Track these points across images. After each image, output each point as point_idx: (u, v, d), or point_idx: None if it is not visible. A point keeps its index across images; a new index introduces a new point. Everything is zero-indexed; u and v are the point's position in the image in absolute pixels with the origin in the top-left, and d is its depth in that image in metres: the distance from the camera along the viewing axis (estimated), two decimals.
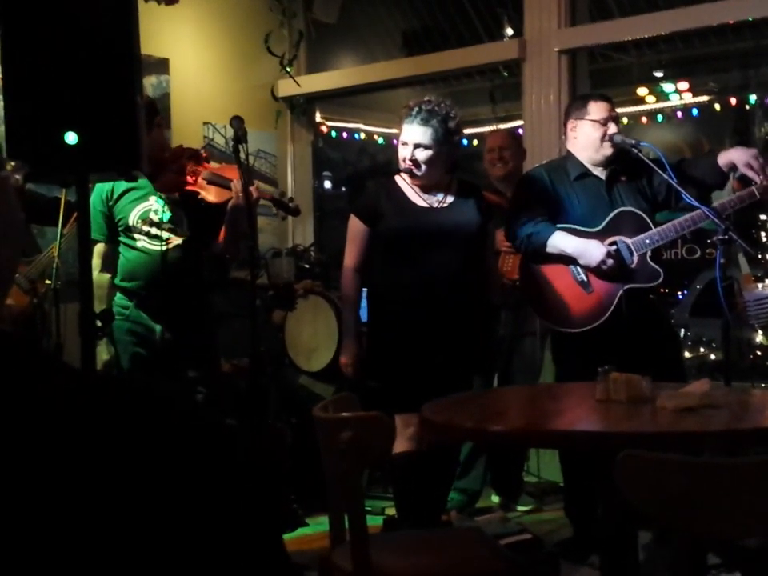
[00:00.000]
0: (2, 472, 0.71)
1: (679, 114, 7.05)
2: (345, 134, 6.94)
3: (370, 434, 2.25)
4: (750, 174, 3.30)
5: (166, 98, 5.40)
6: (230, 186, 3.44)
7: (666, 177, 3.35)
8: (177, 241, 3.53)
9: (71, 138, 2.45)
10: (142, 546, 0.73)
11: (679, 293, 4.77)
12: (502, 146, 4.43)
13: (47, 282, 3.75)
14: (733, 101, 6.84)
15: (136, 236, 3.54)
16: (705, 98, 7.01)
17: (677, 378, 3.21)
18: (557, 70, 5.08)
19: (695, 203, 3.31)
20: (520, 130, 5.41)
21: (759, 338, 4.46)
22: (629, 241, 3.43)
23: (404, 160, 3.45)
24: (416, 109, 3.43)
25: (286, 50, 6.06)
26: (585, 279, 3.46)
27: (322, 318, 4.70)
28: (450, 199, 3.50)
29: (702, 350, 4.70)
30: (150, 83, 5.30)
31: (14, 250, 0.89)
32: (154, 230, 3.52)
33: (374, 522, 3.67)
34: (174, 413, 0.80)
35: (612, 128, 3.49)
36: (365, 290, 3.67)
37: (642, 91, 6.98)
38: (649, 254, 3.43)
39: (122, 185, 3.52)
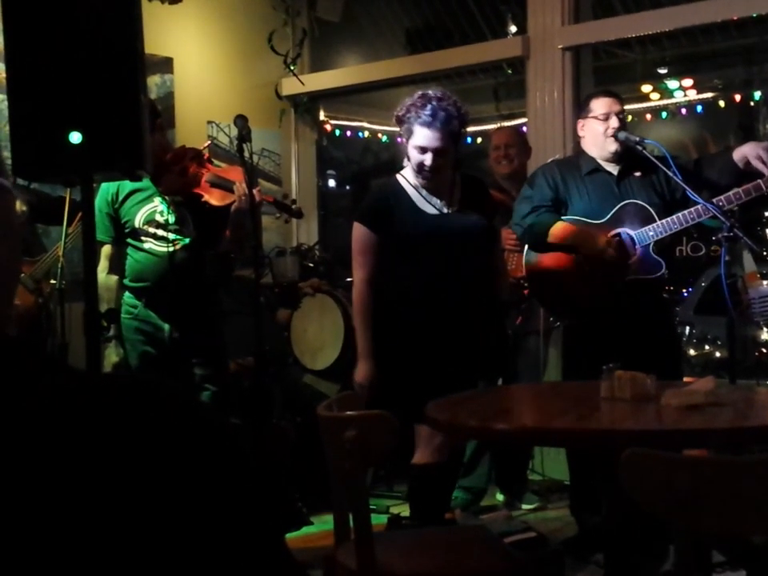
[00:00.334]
0: (5, 472, 0.71)
1: (683, 110, 7.04)
2: (349, 133, 6.93)
3: (374, 432, 2.25)
4: (760, 166, 3.30)
5: (170, 97, 5.41)
6: (233, 188, 3.45)
7: (670, 173, 3.37)
8: (183, 241, 3.54)
9: (75, 137, 2.45)
10: (145, 543, 0.73)
11: (684, 290, 4.76)
12: (507, 144, 4.43)
13: (52, 281, 3.76)
14: (737, 97, 6.83)
15: (143, 238, 3.56)
16: (709, 95, 7.00)
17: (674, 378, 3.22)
18: (560, 68, 5.06)
19: (699, 200, 3.31)
20: (524, 128, 5.40)
21: (764, 335, 4.45)
22: (632, 232, 3.45)
23: (422, 167, 3.23)
24: (429, 109, 3.17)
25: (290, 49, 6.06)
26: (586, 269, 3.48)
27: (329, 317, 4.71)
28: (456, 198, 3.34)
29: (706, 347, 4.69)
30: (154, 82, 5.31)
31: (12, 252, 0.90)
32: (160, 232, 3.53)
33: (379, 520, 3.67)
34: (176, 413, 0.80)
35: (614, 122, 3.49)
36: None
37: (646, 88, 6.97)
38: (652, 246, 3.44)
39: (127, 187, 3.53)
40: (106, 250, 3.61)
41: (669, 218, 3.41)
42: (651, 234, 3.42)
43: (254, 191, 3.35)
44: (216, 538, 0.76)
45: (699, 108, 6.99)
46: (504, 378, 4.32)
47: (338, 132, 6.76)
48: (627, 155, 3.53)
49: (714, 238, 4.34)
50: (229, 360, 3.95)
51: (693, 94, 7.00)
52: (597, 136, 3.52)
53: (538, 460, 4.61)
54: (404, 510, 3.82)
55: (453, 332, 3.27)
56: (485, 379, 3.47)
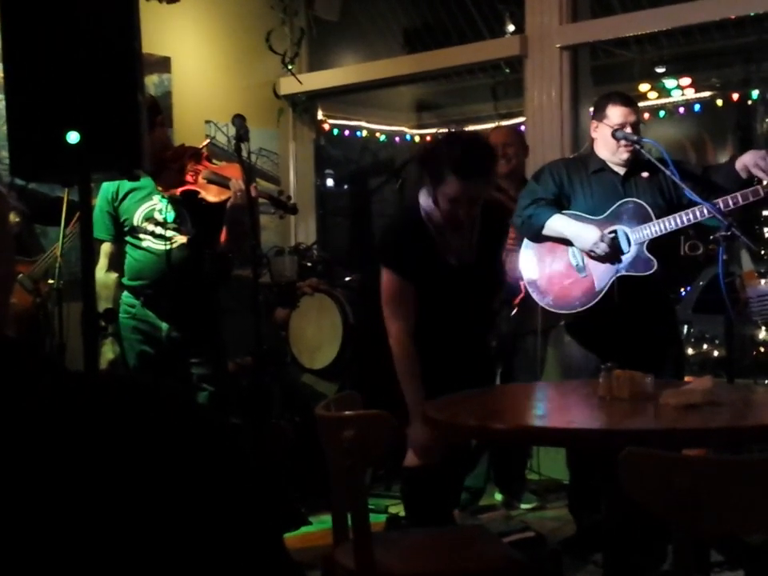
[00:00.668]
0: (4, 473, 0.71)
1: (681, 109, 7.04)
2: (347, 132, 6.93)
3: (372, 432, 2.25)
4: (760, 173, 3.32)
5: (167, 97, 5.40)
6: (229, 184, 3.44)
7: (668, 172, 3.38)
8: (181, 240, 3.54)
9: (73, 137, 2.45)
10: (144, 543, 0.73)
11: (682, 290, 4.77)
12: (505, 143, 4.42)
13: (50, 281, 3.76)
14: (735, 96, 6.83)
15: (141, 236, 3.56)
16: (707, 94, 7.00)
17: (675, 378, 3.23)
18: (558, 67, 5.07)
19: (698, 200, 3.32)
20: (522, 127, 5.41)
21: (762, 334, 4.46)
22: (628, 230, 3.47)
23: (453, 217, 3.04)
24: (462, 154, 2.92)
25: (288, 48, 6.06)
26: (581, 263, 3.52)
27: (327, 316, 4.71)
28: (475, 236, 3.18)
29: (704, 346, 4.70)
30: (152, 82, 5.30)
31: (4, 253, 0.89)
32: (158, 230, 3.53)
33: (377, 519, 3.67)
34: (175, 413, 0.80)
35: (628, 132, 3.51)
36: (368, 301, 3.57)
37: (644, 87, 6.97)
38: (646, 244, 3.45)
39: (127, 185, 3.53)
40: (106, 248, 3.61)
41: (666, 218, 3.41)
42: (647, 232, 3.43)
43: (251, 187, 3.35)
44: (215, 537, 0.76)
45: (697, 107, 6.99)
46: (502, 377, 4.33)
47: (335, 131, 6.75)
48: (635, 156, 3.55)
49: (711, 237, 4.34)
50: (227, 359, 3.94)
51: (691, 93, 7.00)
52: (609, 143, 3.53)
53: (536, 459, 4.61)
54: (402, 510, 3.82)
55: (460, 362, 3.22)
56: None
